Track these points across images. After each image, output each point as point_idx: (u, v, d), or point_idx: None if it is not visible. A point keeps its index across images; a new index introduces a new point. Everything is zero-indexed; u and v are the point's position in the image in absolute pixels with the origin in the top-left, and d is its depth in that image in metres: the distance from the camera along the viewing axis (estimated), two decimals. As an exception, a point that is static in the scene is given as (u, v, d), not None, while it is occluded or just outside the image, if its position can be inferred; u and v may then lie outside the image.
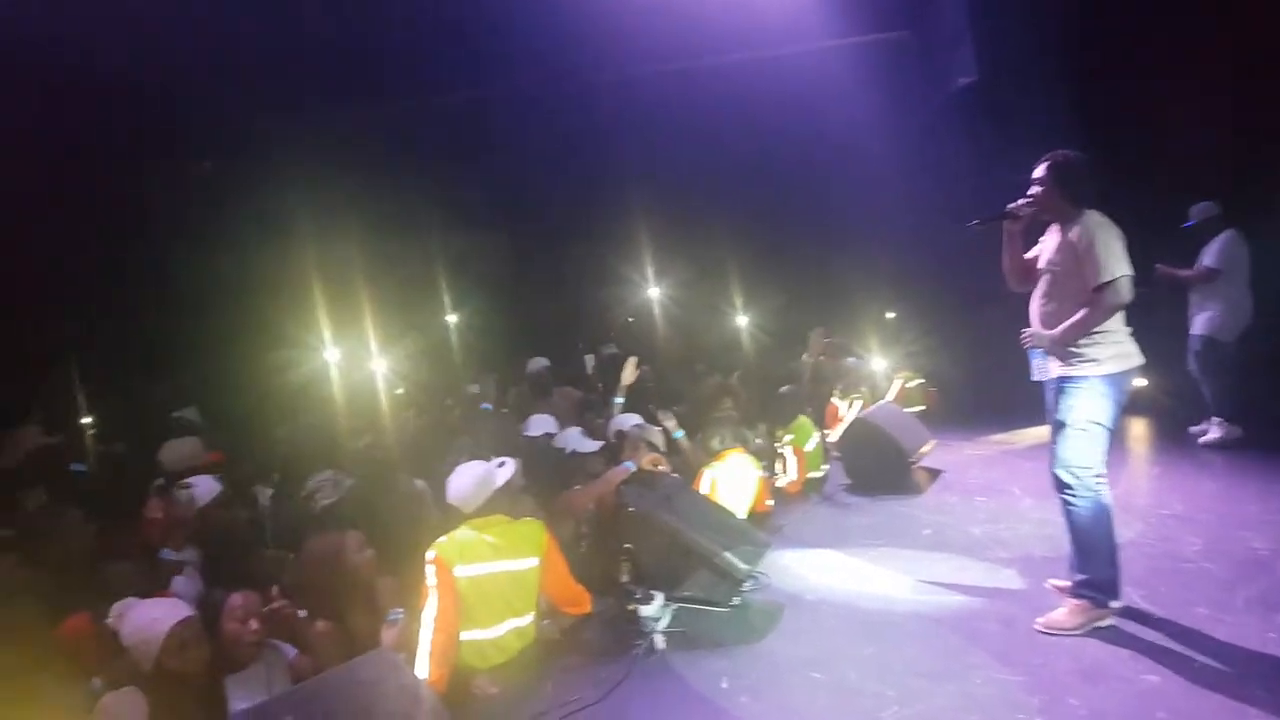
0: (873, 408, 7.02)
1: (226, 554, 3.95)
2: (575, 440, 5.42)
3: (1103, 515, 3.89)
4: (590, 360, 9.02)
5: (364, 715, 2.75)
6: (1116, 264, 3.73)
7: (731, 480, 5.31)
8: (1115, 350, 3.84)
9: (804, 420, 6.59)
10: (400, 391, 7.51)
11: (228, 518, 4.33)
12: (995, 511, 5.65)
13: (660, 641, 4.03)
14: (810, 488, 6.35)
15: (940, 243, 9.59)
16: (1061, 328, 3.85)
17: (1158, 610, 3.98)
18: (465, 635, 3.80)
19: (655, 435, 5.56)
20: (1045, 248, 4.06)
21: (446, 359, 9.39)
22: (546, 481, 5.00)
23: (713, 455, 5.45)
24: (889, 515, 5.71)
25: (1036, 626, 3.85)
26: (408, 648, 3.59)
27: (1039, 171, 3.98)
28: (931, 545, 5.13)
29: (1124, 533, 4.95)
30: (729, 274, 10.21)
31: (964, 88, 8.86)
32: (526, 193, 12.00)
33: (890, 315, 10.31)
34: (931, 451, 6.81)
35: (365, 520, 4.18)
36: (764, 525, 5.39)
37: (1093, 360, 3.82)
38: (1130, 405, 7.93)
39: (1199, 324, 6.70)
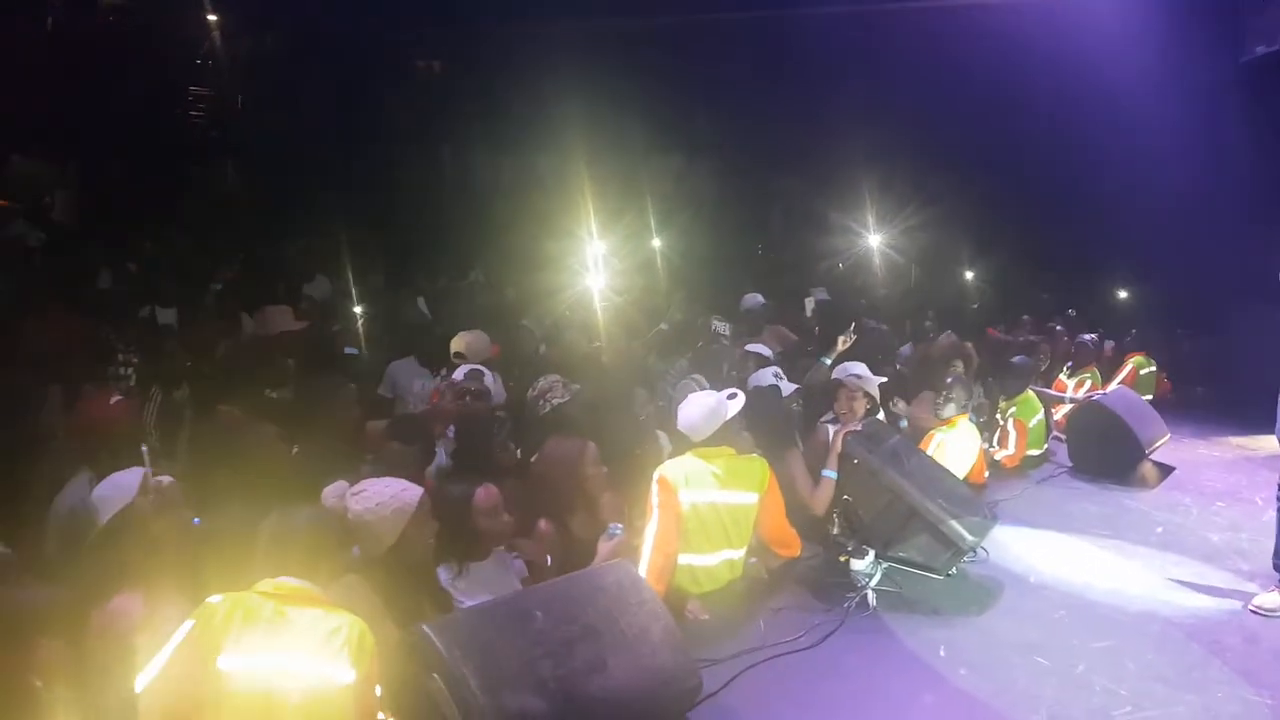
0: (1110, 391, 6.61)
1: (478, 445, 4.19)
2: (767, 380, 5.37)
3: None
4: (809, 303, 8.93)
5: (606, 621, 2.88)
6: None
7: (956, 447, 5.16)
8: None
9: (1031, 394, 6.29)
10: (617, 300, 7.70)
11: (484, 409, 4.60)
12: (1235, 519, 5.24)
13: (872, 599, 4.01)
14: (1028, 465, 6.09)
15: (1201, 226, 8.82)
16: None
17: None
18: (681, 559, 3.91)
19: (874, 387, 5.43)
20: None
21: (654, 281, 9.53)
22: (763, 420, 5.02)
23: (941, 418, 5.30)
24: (1116, 506, 5.41)
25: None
26: (624, 562, 3.74)
27: None
28: (1164, 545, 4.83)
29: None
30: (955, 225, 9.74)
31: (1261, 57, 7.94)
32: (747, 124, 11.86)
33: (1123, 294, 9.59)
34: (1165, 445, 6.36)
35: (592, 429, 4.32)
36: (981, 498, 5.22)
37: None
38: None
39: None
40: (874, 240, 10.14)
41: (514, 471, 4.29)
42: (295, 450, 3.99)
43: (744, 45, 11.13)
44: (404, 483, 3.11)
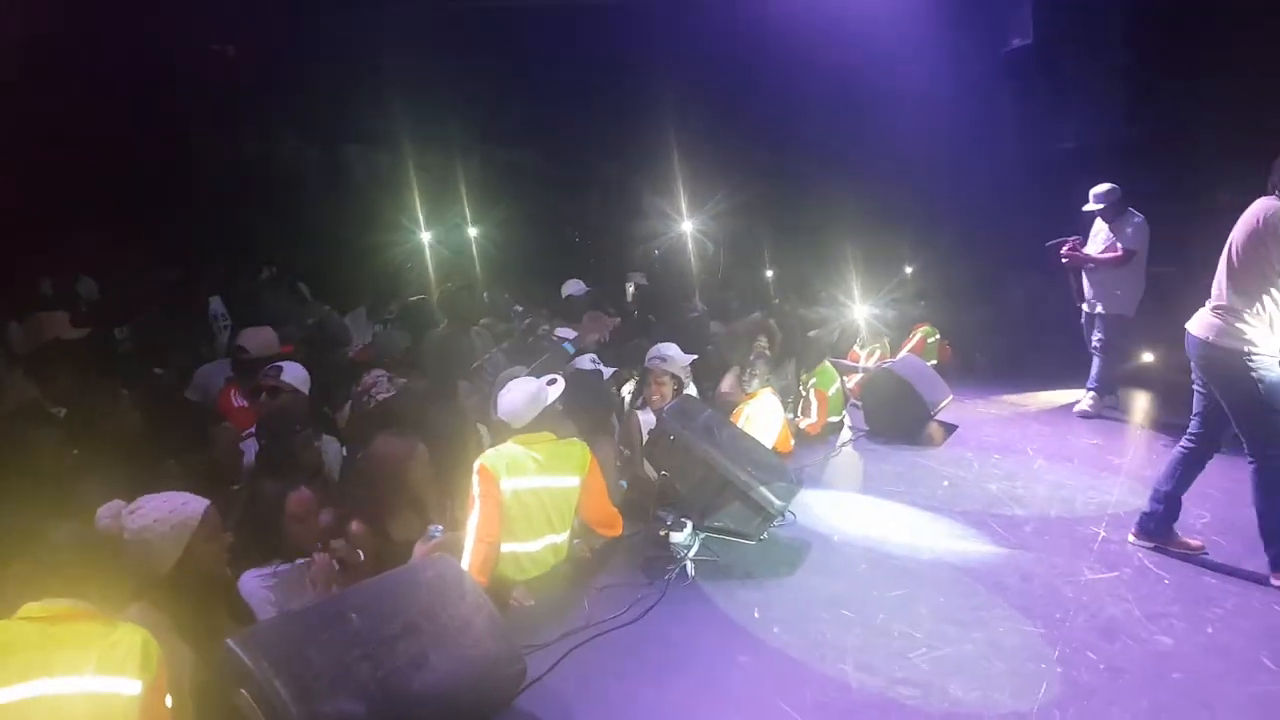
0: (897, 359, 7.11)
1: (280, 445, 4.00)
2: (586, 364, 5.47)
3: None
4: (630, 287, 9.05)
5: (427, 617, 2.85)
6: None
7: (762, 418, 5.41)
8: (1253, 333, 3.94)
9: (827, 365, 6.67)
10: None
11: (289, 405, 4.39)
12: (1011, 469, 5.77)
13: (691, 569, 4.16)
14: (828, 431, 6.46)
15: (976, 204, 9.64)
16: None
17: (1168, 575, 4.14)
18: (505, 547, 3.92)
19: (680, 367, 5.59)
20: None
21: (471, 271, 9.40)
22: (583, 405, 5.07)
23: (747, 392, 5.54)
24: (908, 465, 5.83)
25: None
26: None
27: None
28: (950, 498, 5.25)
29: (1132, 501, 5.14)
30: (759, 210, 10.15)
31: (1018, 49, 8.75)
32: (561, 113, 11.85)
33: (909, 269, 10.32)
34: (949, 406, 6.92)
35: (418, 423, 4.24)
36: (788, 465, 5.50)
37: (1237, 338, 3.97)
38: (1139, 381, 8.19)
39: (1107, 303, 6.85)
40: (687, 225, 10.45)
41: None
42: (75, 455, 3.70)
43: (559, 32, 11.09)
44: (186, 496, 2.90)
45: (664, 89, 10.67)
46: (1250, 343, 3.89)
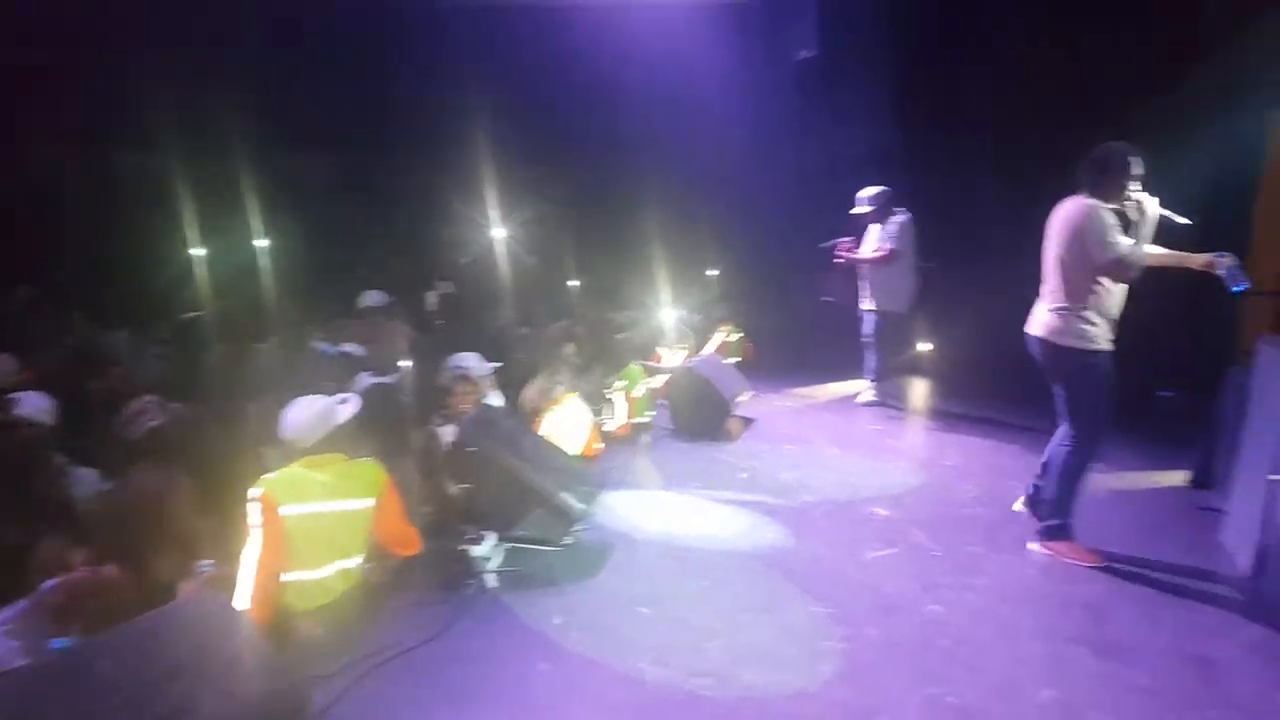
0: (698, 358, 7.31)
1: (22, 482, 3.63)
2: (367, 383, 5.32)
3: None
4: (432, 297, 8.82)
5: (193, 657, 2.65)
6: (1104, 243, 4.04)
7: (567, 423, 5.42)
8: (1095, 331, 4.15)
9: (634, 367, 6.77)
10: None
11: (32, 436, 3.98)
12: (802, 459, 6.07)
13: (492, 581, 4.09)
14: (637, 432, 6.56)
15: (770, 208, 10.08)
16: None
17: (940, 549, 4.47)
18: (289, 576, 3.71)
19: (482, 377, 5.55)
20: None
21: (255, 287, 8.85)
22: (382, 421, 4.90)
23: (552, 398, 5.53)
24: (709, 460, 6.01)
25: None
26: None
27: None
28: (747, 488, 5.46)
29: (909, 481, 5.54)
30: (567, 221, 10.18)
31: (804, 60, 9.21)
32: (359, 117, 11.40)
33: (713, 273, 10.66)
34: (748, 401, 7.19)
35: (187, 452, 3.95)
36: (593, 468, 5.54)
37: (1079, 336, 4.17)
38: (914, 368, 8.82)
39: (875, 300, 7.25)
40: (499, 233, 10.34)
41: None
42: None
43: (363, 36, 10.65)
44: None
45: (471, 97, 10.52)
46: (1093, 340, 4.11)
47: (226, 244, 9.39)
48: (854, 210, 7.19)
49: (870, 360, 7.49)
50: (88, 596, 3.20)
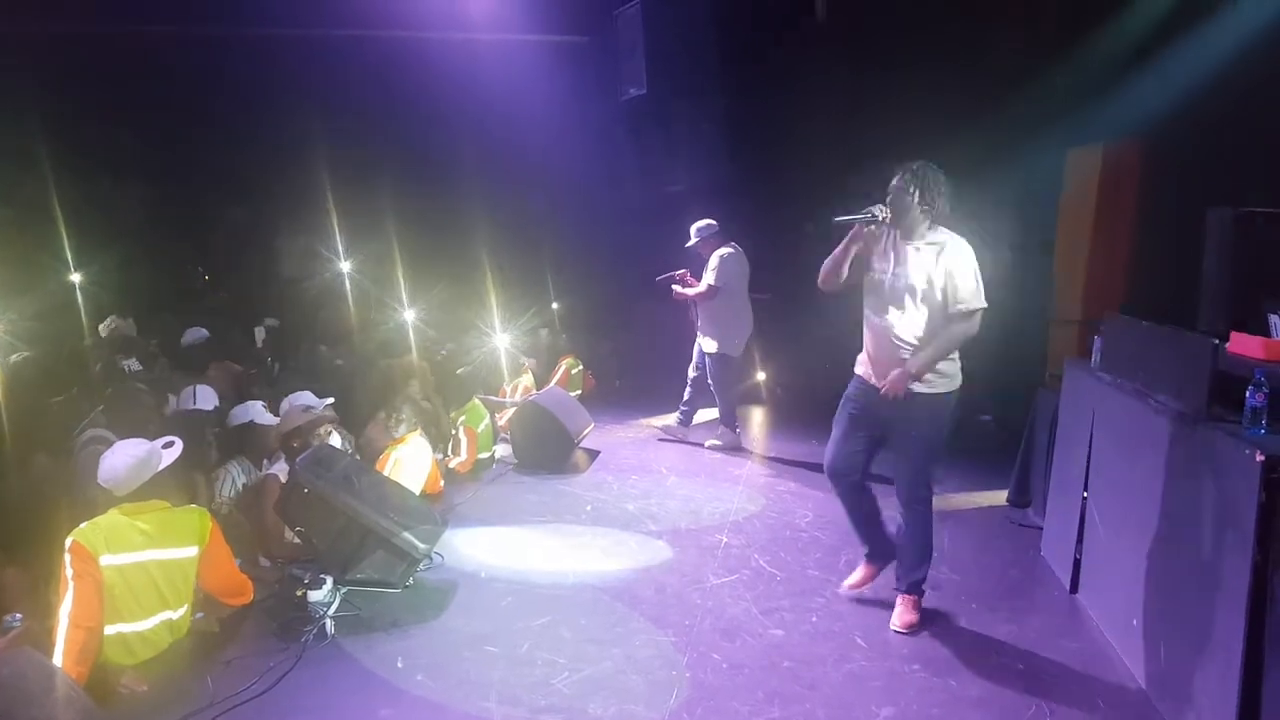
0: (541, 392, 7.31)
1: None
2: (256, 413, 5.08)
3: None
4: (260, 332, 8.44)
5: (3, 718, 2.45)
6: (981, 291, 3.83)
7: (411, 462, 5.30)
8: (957, 368, 3.97)
9: (476, 402, 6.70)
10: (19, 357, 6.40)
11: None
12: (646, 489, 6.17)
13: (331, 627, 3.94)
14: (481, 467, 6.48)
15: (606, 241, 10.28)
16: (932, 349, 3.82)
17: (780, 573, 4.66)
18: (110, 629, 3.47)
19: (328, 411, 5.37)
20: (891, 261, 3.93)
21: (72, 322, 8.20)
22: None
23: (394, 437, 5.40)
24: (554, 494, 6.02)
25: (900, 630, 3.98)
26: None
27: (896, 181, 3.87)
28: (593, 520, 5.50)
29: (749, 507, 5.73)
30: (396, 259, 9.99)
31: (634, 98, 9.47)
32: (179, 145, 10.83)
33: (555, 305, 10.71)
34: (590, 433, 7.25)
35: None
36: (437, 506, 5.45)
37: (949, 377, 3.92)
38: (751, 396, 9.14)
39: (711, 342, 7.05)
40: (338, 265, 10.06)
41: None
42: None
43: (169, 61, 10.15)
44: None
45: (304, 128, 10.23)
46: (953, 380, 3.96)
47: (29, 277, 8.66)
48: (687, 244, 7.14)
49: (718, 403, 7.26)
50: None
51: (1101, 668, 3.73)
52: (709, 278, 6.94)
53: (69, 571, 3.36)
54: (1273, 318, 3.76)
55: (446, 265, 10.21)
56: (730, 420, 7.31)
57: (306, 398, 5.21)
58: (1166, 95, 5.72)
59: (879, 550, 4.29)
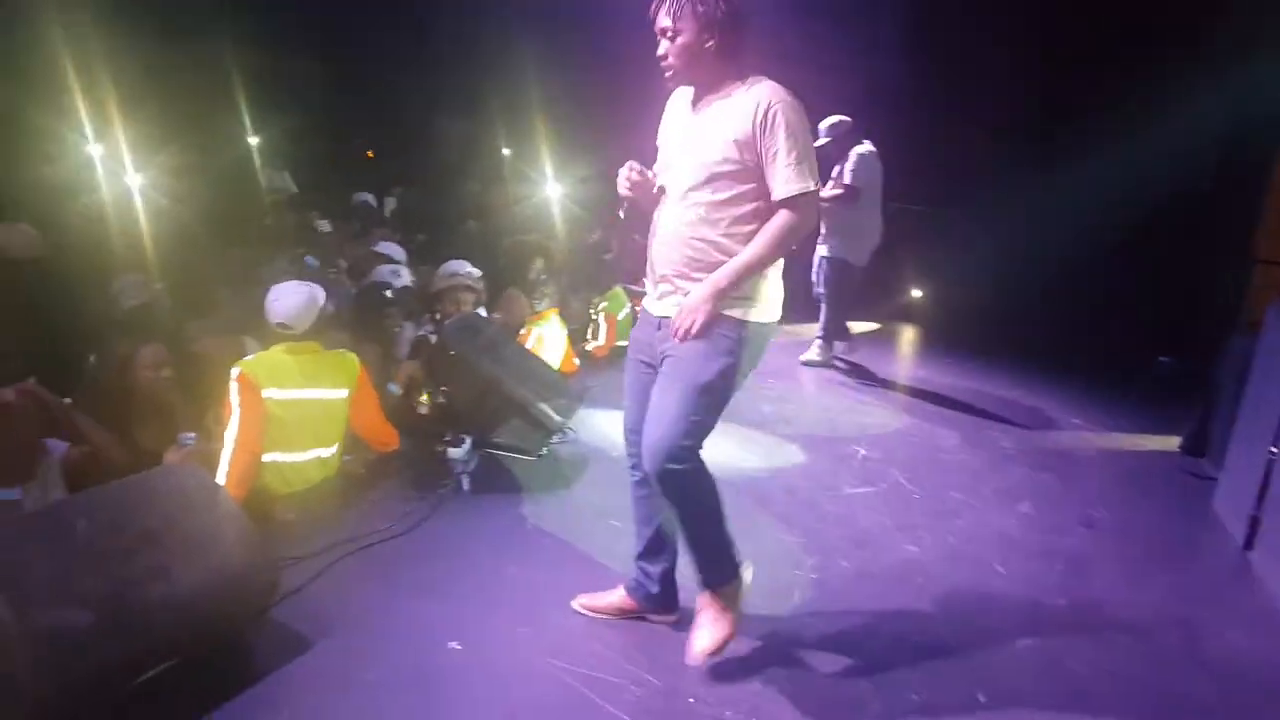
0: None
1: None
2: (383, 276, 5.24)
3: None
4: (390, 202, 8.64)
5: (166, 525, 2.60)
6: (813, 167, 2.59)
7: (549, 339, 5.35)
8: (774, 290, 2.76)
9: (619, 290, 6.67)
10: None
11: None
12: (783, 393, 6.05)
13: (466, 483, 4.07)
14: (617, 354, 6.48)
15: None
16: (743, 259, 2.58)
17: (918, 492, 4.48)
18: (267, 457, 3.69)
19: (475, 280, 5.48)
20: (690, 133, 2.68)
21: (241, 182, 8.53)
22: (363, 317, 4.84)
23: (535, 312, 5.46)
24: (689, 387, 5.95)
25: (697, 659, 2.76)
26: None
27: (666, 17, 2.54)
28: (727, 417, 5.37)
29: (891, 423, 5.53)
30: (540, 137, 9.87)
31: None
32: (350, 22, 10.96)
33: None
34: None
35: (170, 332, 3.89)
36: (573, 384, 5.49)
37: (747, 299, 2.66)
38: (906, 314, 8.76)
39: (833, 247, 6.47)
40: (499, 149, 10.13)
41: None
42: None
43: None
44: None
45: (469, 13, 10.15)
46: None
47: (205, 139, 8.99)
48: (814, 143, 6.60)
49: (823, 314, 6.73)
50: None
51: (1272, 630, 3.43)
52: (845, 178, 6.27)
53: (236, 399, 3.57)
54: None
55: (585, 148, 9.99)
56: (834, 333, 6.77)
57: (454, 265, 5.33)
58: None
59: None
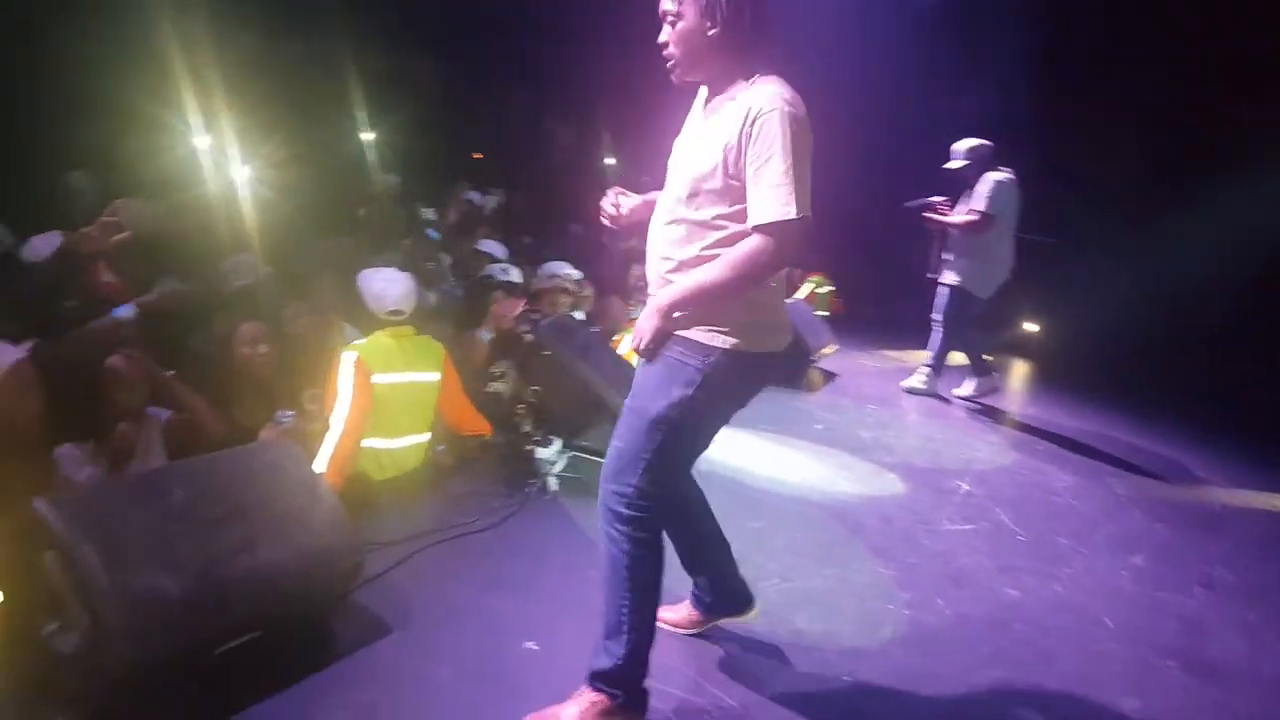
0: (788, 303, 7.06)
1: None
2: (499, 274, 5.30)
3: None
4: (491, 200, 8.71)
5: (259, 502, 2.63)
6: (802, 191, 2.13)
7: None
8: (764, 317, 2.44)
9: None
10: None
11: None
12: (884, 420, 5.84)
13: (554, 484, 4.04)
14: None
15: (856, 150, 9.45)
16: (697, 278, 2.26)
17: (1024, 534, 4.21)
18: (366, 442, 3.74)
19: (573, 283, 5.50)
20: (692, 138, 2.40)
21: (349, 175, 8.73)
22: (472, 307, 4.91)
23: (630, 319, 5.43)
24: (784, 406, 5.82)
25: None
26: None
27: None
28: (821, 440, 5.26)
29: (998, 460, 5.27)
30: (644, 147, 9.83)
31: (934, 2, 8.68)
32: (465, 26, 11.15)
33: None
34: (832, 355, 6.95)
35: (269, 312, 3.99)
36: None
37: (720, 324, 2.33)
38: (1017, 347, 8.40)
39: (956, 275, 6.15)
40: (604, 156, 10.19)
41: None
42: None
43: None
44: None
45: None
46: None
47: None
48: (947, 165, 6.14)
49: (934, 340, 6.43)
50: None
51: None
52: (979, 204, 5.91)
53: (349, 383, 3.61)
54: None
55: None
56: (938, 362, 6.47)
57: (554, 266, 5.35)
58: None
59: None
